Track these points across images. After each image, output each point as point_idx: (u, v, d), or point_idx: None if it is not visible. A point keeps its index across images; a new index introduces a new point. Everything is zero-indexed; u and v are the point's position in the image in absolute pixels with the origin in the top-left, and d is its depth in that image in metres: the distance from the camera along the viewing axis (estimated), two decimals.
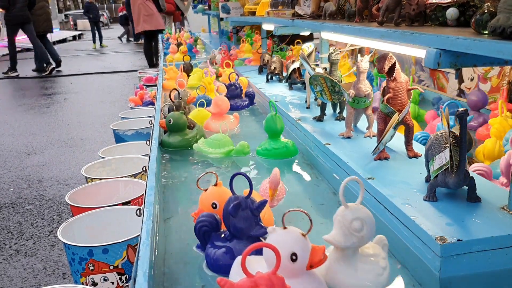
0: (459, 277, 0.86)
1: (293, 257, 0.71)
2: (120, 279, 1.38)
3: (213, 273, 0.94)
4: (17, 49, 8.73)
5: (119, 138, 2.58)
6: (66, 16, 23.86)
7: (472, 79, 2.33)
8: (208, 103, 2.13)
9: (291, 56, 3.18)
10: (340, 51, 1.80)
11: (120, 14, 15.90)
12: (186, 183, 1.50)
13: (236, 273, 0.79)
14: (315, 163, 1.57)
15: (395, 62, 1.26)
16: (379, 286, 0.80)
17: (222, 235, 0.97)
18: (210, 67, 3.07)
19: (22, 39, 9.75)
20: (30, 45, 8.60)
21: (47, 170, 3.52)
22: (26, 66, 9.12)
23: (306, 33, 2.77)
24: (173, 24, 9.28)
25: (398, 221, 1.00)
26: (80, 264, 1.35)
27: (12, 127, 4.93)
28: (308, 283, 0.74)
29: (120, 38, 15.90)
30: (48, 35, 8.95)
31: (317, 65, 2.01)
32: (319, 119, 1.80)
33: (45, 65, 8.54)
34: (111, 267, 1.36)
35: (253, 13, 3.22)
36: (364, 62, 1.46)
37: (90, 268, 1.35)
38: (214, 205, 1.05)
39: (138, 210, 1.41)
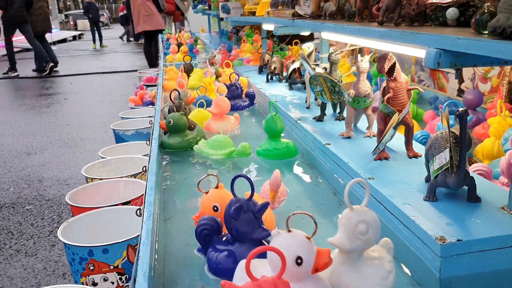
0: (459, 277, 0.86)
1: (298, 261, 0.69)
2: (120, 279, 1.38)
3: (215, 276, 0.93)
4: (17, 49, 8.75)
5: (119, 138, 2.58)
6: (66, 16, 23.85)
7: (471, 79, 2.33)
8: (208, 104, 2.13)
9: (290, 56, 3.18)
10: (340, 51, 1.80)
11: (121, 14, 15.90)
12: (186, 183, 1.49)
13: (240, 277, 0.77)
14: (315, 163, 1.57)
15: (395, 62, 1.26)
16: None
17: (224, 238, 0.96)
18: (209, 67, 3.07)
19: (21, 39, 9.75)
20: (30, 45, 8.61)
21: (47, 170, 3.52)
22: (26, 66, 9.12)
23: (306, 33, 2.77)
24: (173, 24, 9.28)
25: (398, 221, 1.00)
26: (80, 264, 1.35)
27: (12, 127, 4.93)
28: (314, 287, 0.73)
29: (121, 37, 15.91)
30: (48, 35, 8.95)
31: (317, 65, 2.01)
32: (319, 119, 1.80)
33: (44, 64, 8.54)
34: (111, 267, 1.36)
35: (253, 13, 3.21)
36: (364, 62, 1.46)
37: (90, 268, 1.35)
38: (215, 208, 1.04)
39: (138, 210, 1.41)
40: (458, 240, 0.86)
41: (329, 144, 1.48)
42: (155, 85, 3.91)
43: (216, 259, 0.93)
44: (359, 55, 1.56)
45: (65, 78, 8.31)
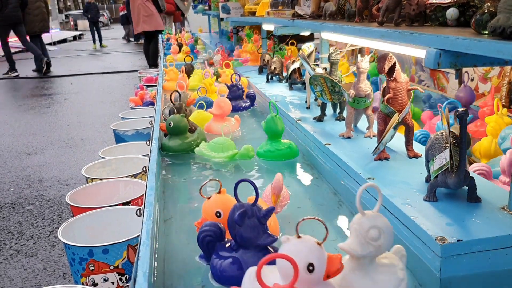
0: (459, 277, 0.86)
1: (310, 268, 0.66)
2: (120, 279, 1.38)
3: (220, 284, 0.91)
4: (17, 50, 8.73)
5: (119, 138, 2.58)
6: (66, 16, 23.84)
7: (472, 79, 2.33)
8: (209, 105, 2.12)
9: (290, 56, 3.18)
10: (340, 51, 1.80)
11: (121, 13, 15.90)
12: (187, 185, 1.49)
13: (249, 285, 0.74)
14: (315, 164, 1.57)
15: (395, 62, 1.26)
16: None
17: (228, 245, 0.93)
18: (208, 68, 3.07)
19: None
20: (23, 46, 8.57)
21: (48, 170, 3.52)
22: (26, 66, 9.12)
23: (306, 33, 2.77)
24: (173, 24, 9.28)
25: (398, 221, 1.00)
26: (80, 264, 1.35)
27: (12, 127, 4.93)
28: None
29: (124, 38, 15.91)
30: (48, 35, 8.94)
31: (317, 65, 2.01)
32: (319, 119, 1.80)
33: (40, 61, 8.52)
34: (111, 267, 1.36)
35: (253, 13, 3.22)
36: (364, 62, 1.46)
37: (90, 268, 1.35)
38: (218, 214, 1.01)
39: (138, 210, 1.41)
40: (458, 240, 0.86)
41: (329, 144, 1.48)
42: (155, 85, 3.91)
43: (220, 267, 0.90)
44: (359, 55, 1.56)
45: (65, 78, 8.31)
